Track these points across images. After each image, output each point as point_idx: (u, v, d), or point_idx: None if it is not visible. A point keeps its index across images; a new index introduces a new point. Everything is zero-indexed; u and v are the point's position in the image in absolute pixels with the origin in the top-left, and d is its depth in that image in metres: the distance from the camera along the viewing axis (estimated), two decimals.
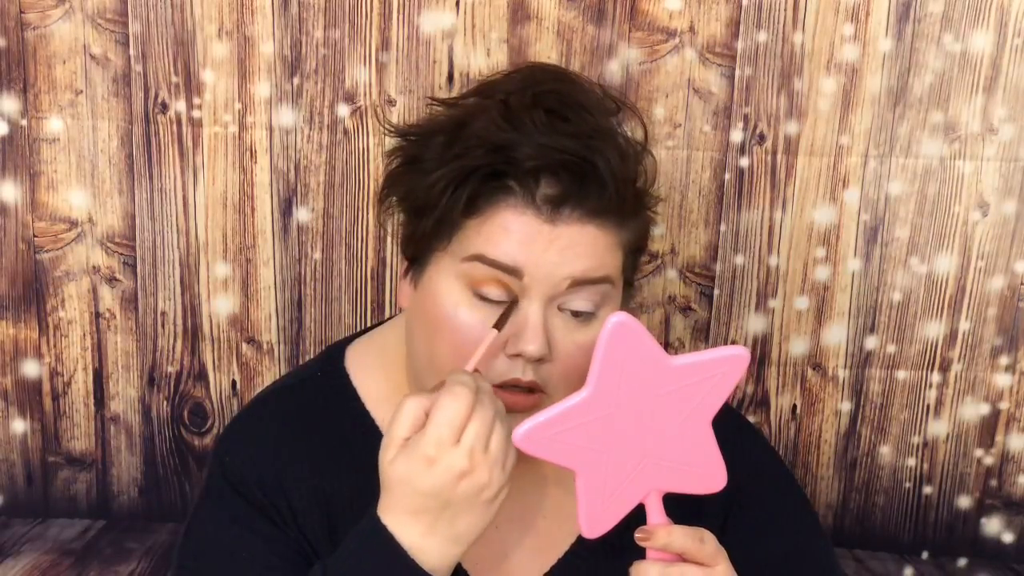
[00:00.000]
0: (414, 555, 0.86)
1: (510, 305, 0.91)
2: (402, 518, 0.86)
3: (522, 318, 0.91)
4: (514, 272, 0.90)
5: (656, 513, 0.90)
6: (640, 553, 0.89)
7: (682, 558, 0.89)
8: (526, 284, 0.90)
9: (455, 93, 1.37)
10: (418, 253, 0.95)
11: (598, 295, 0.93)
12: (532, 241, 0.90)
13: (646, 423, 0.87)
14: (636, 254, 0.99)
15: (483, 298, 0.91)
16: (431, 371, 0.94)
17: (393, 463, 0.86)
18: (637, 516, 0.90)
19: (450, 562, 0.88)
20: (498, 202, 0.90)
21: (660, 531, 0.89)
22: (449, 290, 0.92)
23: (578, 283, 0.91)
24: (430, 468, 0.84)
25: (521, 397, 0.92)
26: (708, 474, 0.91)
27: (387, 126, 1.03)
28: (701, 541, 0.89)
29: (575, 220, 0.90)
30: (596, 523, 0.89)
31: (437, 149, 0.93)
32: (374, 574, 0.87)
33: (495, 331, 0.90)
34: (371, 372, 1.04)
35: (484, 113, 0.93)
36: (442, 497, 0.85)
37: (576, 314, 0.92)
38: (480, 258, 0.91)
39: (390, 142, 1.02)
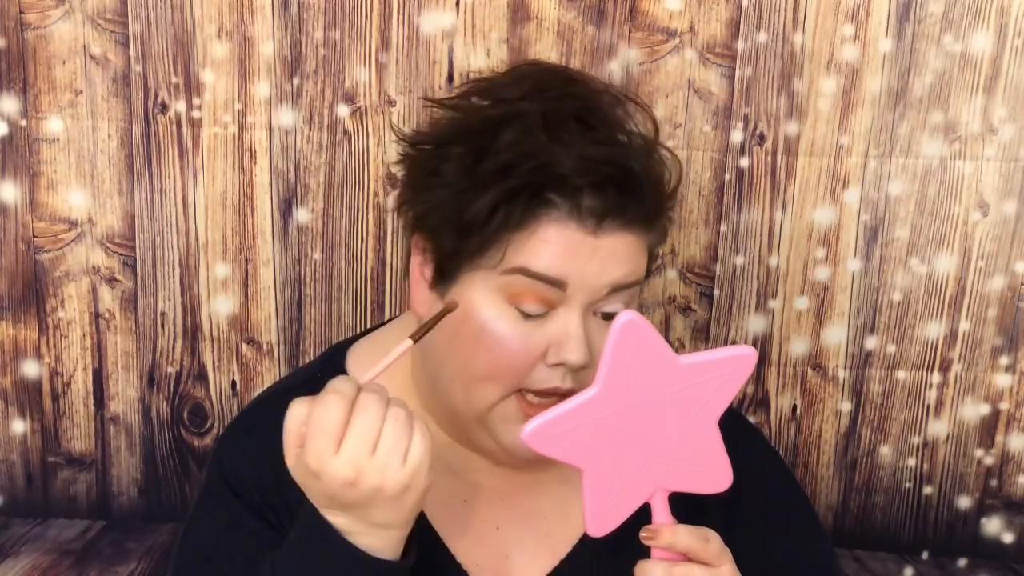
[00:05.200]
0: (352, 539, 0.86)
1: (439, 315, 0.90)
2: (324, 510, 0.87)
3: (562, 327, 0.90)
4: (558, 284, 0.90)
5: (661, 512, 0.90)
6: (644, 552, 0.89)
7: (687, 558, 0.89)
8: (568, 294, 0.90)
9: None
10: (449, 266, 0.94)
11: (629, 296, 0.93)
12: (575, 252, 0.89)
13: (653, 422, 0.87)
14: (653, 255, 0.99)
15: (523, 313, 0.91)
16: (470, 387, 0.93)
17: (293, 470, 0.86)
18: (641, 515, 0.90)
19: (392, 543, 0.87)
20: (540, 216, 0.89)
21: (665, 530, 0.88)
22: (487, 303, 0.91)
23: (617, 289, 0.92)
24: (317, 479, 0.84)
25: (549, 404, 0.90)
26: (714, 474, 0.91)
27: (399, 134, 1.01)
28: (706, 541, 0.88)
29: (616, 229, 0.90)
30: (601, 522, 0.89)
31: (461, 162, 0.92)
32: (319, 559, 0.87)
33: (409, 341, 0.88)
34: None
35: (512, 124, 0.91)
36: (339, 501, 0.85)
37: (607, 316, 0.92)
38: (523, 271, 0.90)
39: (392, 144, 1.01)
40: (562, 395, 0.91)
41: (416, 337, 0.89)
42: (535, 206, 0.90)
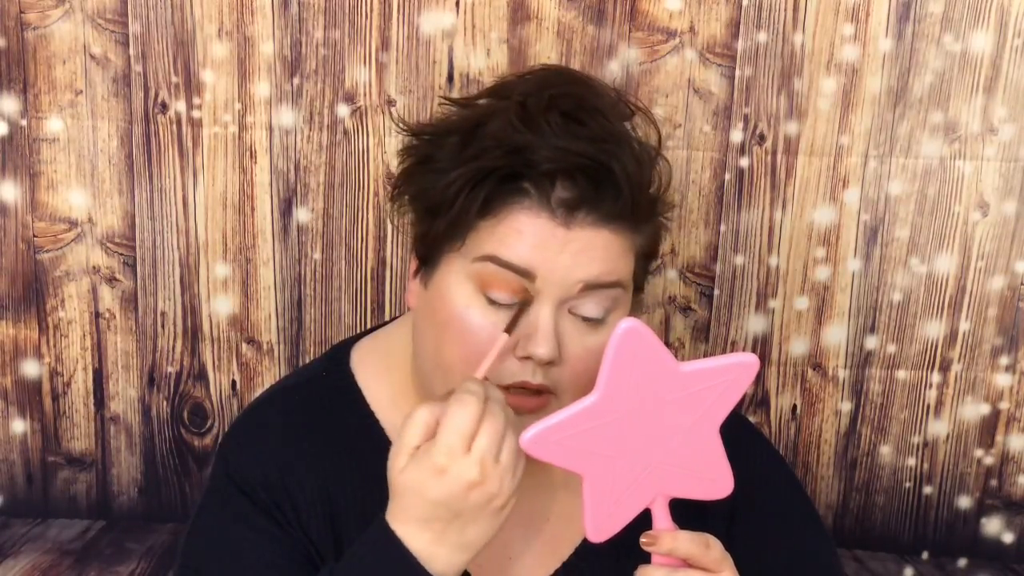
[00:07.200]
0: (423, 562, 0.86)
1: (520, 308, 0.90)
2: (411, 526, 0.86)
3: (533, 321, 0.90)
4: (526, 274, 0.90)
5: (662, 518, 0.90)
6: (646, 557, 0.89)
7: (687, 563, 0.89)
8: (538, 287, 0.90)
9: (455, 93, 1.37)
10: (430, 253, 0.95)
11: (609, 300, 0.92)
12: (546, 244, 0.90)
13: (654, 428, 0.87)
14: (647, 260, 0.99)
15: (493, 302, 0.91)
16: (438, 372, 0.94)
17: (404, 471, 0.85)
18: (644, 520, 0.90)
19: (458, 568, 0.88)
20: (512, 204, 0.90)
21: (665, 536, 0.89)
22: (459, 291, 0.92)
23: (590, 287, 0.91)
24: (440, 478, 0.84)
25: (528, 399, 0.92)
26: (715, 480, 0.91)
27: (401, 124, 1.03)
28: (706, 547, 0.89)
29: (589, 224, 0.90)
30: (602, 527, 0.89)
31: (451, 149, 0.93)
32: None
33: (505, 335, 0.89)
34: (376, 372, 1.04)
35: (499, 114, 0.92)
36: (452, 507, 0.85)
37: (587, 318, 0.92)
38: (493, 259, 0.90)
39: (393, 142, 1.02)
40: (533, 390, 0.91)
41: (508, 329, 0.90)
42: (507, 193, 0.90)
